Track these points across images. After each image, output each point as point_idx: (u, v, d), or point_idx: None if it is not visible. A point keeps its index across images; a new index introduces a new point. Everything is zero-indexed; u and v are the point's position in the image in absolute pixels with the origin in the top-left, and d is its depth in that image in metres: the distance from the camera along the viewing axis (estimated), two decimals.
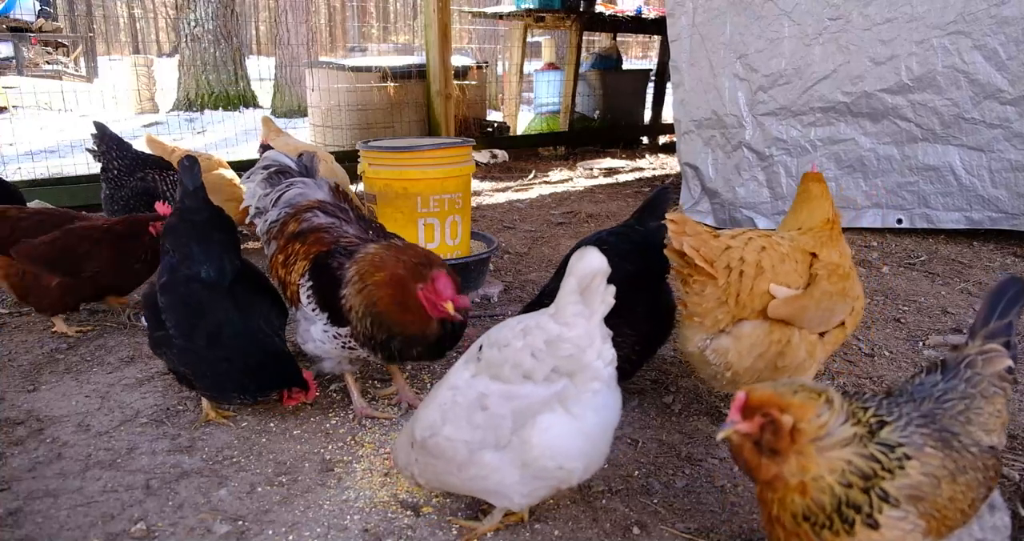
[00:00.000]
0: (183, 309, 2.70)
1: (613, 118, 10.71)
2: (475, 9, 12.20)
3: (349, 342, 2.64)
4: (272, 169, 3.00)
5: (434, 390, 2.09)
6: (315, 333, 2.71)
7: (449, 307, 2.38)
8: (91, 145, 4.63)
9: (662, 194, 2.87)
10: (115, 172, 4.53)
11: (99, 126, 4.59)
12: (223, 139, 9.39)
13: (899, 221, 5.57)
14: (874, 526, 1.43)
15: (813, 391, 1.49)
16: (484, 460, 1.91)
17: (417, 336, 2.51)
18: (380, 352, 2.59)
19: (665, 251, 2.47)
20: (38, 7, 15.31)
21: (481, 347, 1.96)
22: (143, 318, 2.94)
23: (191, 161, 2.86)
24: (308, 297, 2.70)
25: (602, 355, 1.93)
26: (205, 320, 2.67)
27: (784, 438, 1.45)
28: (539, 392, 1.87)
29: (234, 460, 2.57)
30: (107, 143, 4.55)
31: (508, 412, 1.87)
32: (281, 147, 5.30)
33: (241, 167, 5.48)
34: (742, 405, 1.50)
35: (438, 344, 2.56)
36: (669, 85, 8.93)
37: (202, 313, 2.68)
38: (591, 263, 1.82)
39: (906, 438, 1.50)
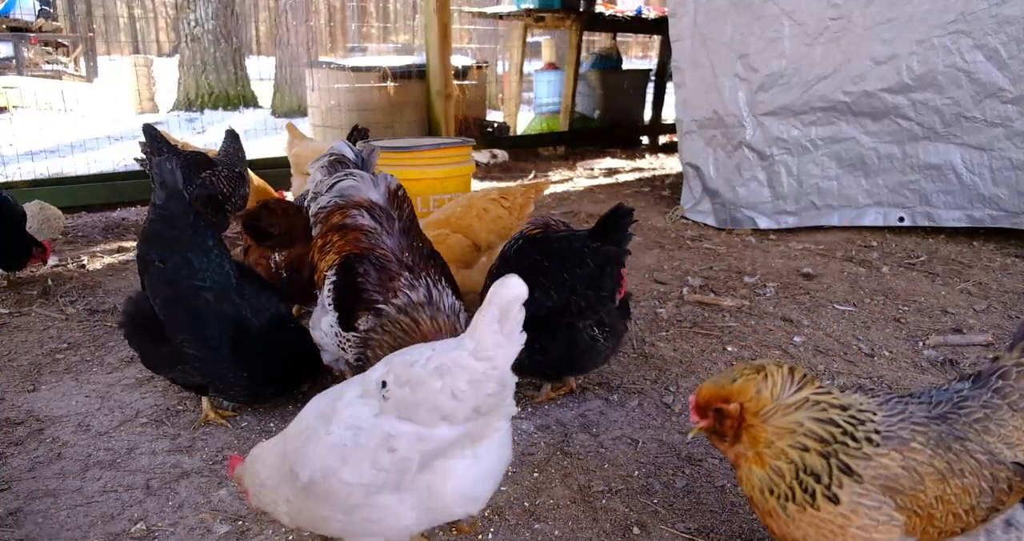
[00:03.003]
0: (201, 322, 2.58)
1: (613, 118, 10.70)
2: (475, 9, 12.18)
3: (345, 344, 2.69)
4: (334, 157, 3.02)
5: (312, 425, 1.87)
6: (323, 324, 2.77)
7: None
8: (138, 154, 4.60)
9: (618, 214, 2.68)
10: None
11: (148, 128, 4.58)
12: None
13: (900, 219, 5.57)
14: (834, 500, 1.43)
15: (752, 371, 1.55)
16: (380, 502, 1.78)
17: None
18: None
19: None
20: (38, 7, 15.27)
21: (385, 383, 1.79)
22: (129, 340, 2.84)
23: (172, 161, 2.73)
24: (329, 290, 2.76)
25: (511, 388, 1.82)
26: (228, 328, 2.59)
27: (736, 422, 1.54)
28: (453, 433, 1.75)
29: None
30: (157, 148, 4.53)
31: (417, 455, 1.74)
32: (303, 151, 5.44)
33: None
34: (695, 406, 1.62)
35: None
36: (669, 85, 8.93)
37: (223, 322, 2.60)
38: (513, 290, 1.70)
39: (890, 430, 1.48)
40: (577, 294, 2.69)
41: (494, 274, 2.96)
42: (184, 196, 2.70)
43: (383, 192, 2.89)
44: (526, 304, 2.68)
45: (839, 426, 1.47)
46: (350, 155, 3.01)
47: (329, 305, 2.75)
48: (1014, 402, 1.58)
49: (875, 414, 1.53)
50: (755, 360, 3.34)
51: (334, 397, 1.91)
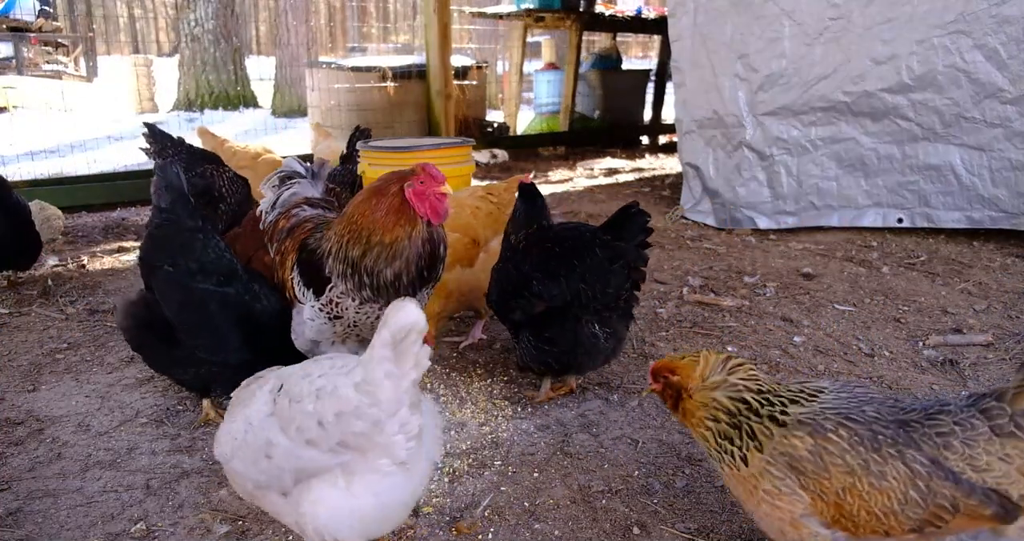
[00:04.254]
0: (217, 324, 2.56)
1: (613, 118, 10.71)
2: (475, 9, 12.18)
3: (334, 310, 2.60)
4: (282, 174, 3.04)
5: (235, 405, 1.92)
6: (306, 314, 2.69)
7: (446, 188, 2.42)
8: (144, 145, 4.65)
9: (633, 214, 2.72)
10: None
11: (149, 127, 4.62)
12: None
13: (900, 220, 5.57)
14: (745, 462, 1.64)
15: (696, 355, 1.84)
16: (270, 499, 1.79)
17: (395, 244, 2.45)
18: (354, 280, 2.50)
19: None
20: (38, 7, 15.26)
21: (282, 386, 1.78)
22: (133, 345, 2.81)
23: (176, 165, 2.72)
24: (298, 284, 2.70)
25: (406, 427, 1.68)
26: (244, 329, 2.58)
27: (674, 391, 1.84)
28: (323, 460, 1.70)
29: None
30: (159, 141, 4.56)
31: (290, 469, 1.71)
32: (324, 151, 5.74)
33: None
34: (651, 371, 1.91)
35: (419, 263, 2.48)
36: (669, 85, 8.94)
37: (239, 323, 2.58)
38: (408, 317, 1.59)
39: (810, 418, 1.61)
40: (587, 283, 2.69)
41: (500, 269, 2.97)
42: (190, 199, 2.69)
43: (321, 190, 2.99)
44: (539, 293, 2.74)
45: (747, 403, 1.69)
46: (300, 170, 3.04)
47: (303, 294, 2.68)
48: (999, 426, 1.49)
49: (799, 404, 1.66)
50: (754, 360, 3.36)
51: (265, 381, 1.89)
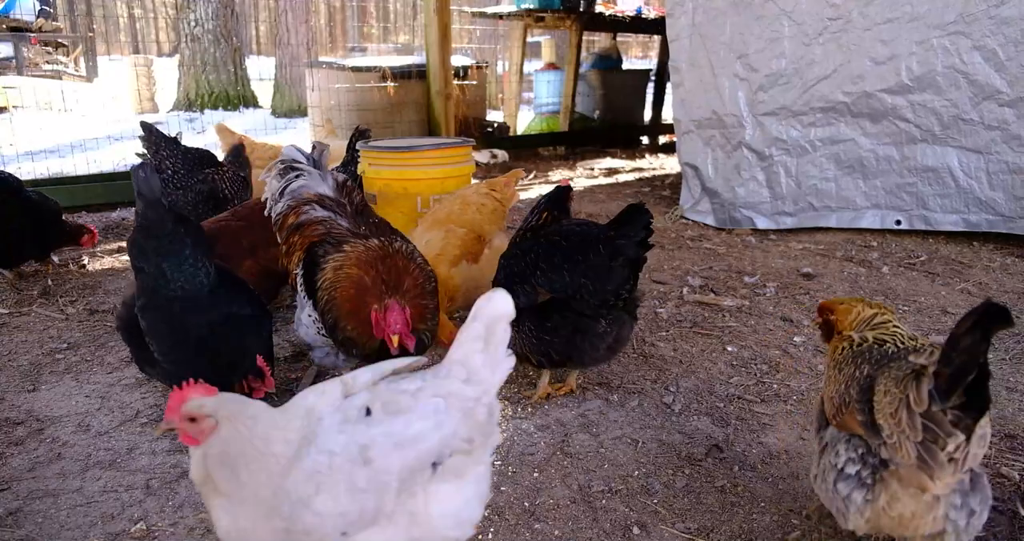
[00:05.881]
0: (168, 331, 2.62)
1: (613, 118, 10.71)
2: (475, 9, 12.17)
3: (323, 329, 2.78)
4: (285, 165, 3.09)
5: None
6: (303, 317, 2.86)
7: (394, 339, 2.52)
8: (140, 149, 4.58)
9: (632, 210, 2.76)
10: (170, 172, 4.34)
11: (145, 126, 4.55)
12: None
13: (898, 222, 5.57)
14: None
15: (852, 302, 2.17)
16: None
17: (355, 340, 2.69)
18: (330, 337, 2.77)
19: None
20: (38, 7, 15.23)
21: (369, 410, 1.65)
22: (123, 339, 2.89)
23: (146, 169, 2.69)
24: (300, 285, 2.86)
25: (493, 413, 1.72)
26: (190, 342, 2.60)
27: (831, 327, 2.19)
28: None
29: None
30: (155, 143, 4.49)
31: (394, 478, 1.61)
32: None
33: None
34: (819, 308, 2.25)
35: (376, 357, 2.59)
36: (669, 85, 8.94)
37: (187, 333, 2.60)
38: (499, 306, 1.67)
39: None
40: (588, 278, 2.71)
41: (507, 261, 2.97)
42: (162, 204, 2.66)
43: (332, 185, 3.02)
44: (541, 282, 2.77)
45: (862, 345, 2.03)
46: (301, 159, 3.07)
47: (304, 298, 2.84)
48: (899, 375, 1.78)
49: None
50: (755, 360, 3.35)
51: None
